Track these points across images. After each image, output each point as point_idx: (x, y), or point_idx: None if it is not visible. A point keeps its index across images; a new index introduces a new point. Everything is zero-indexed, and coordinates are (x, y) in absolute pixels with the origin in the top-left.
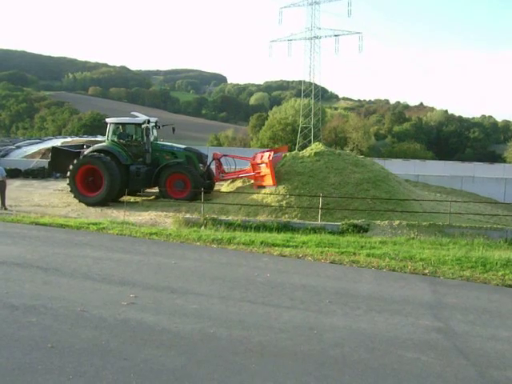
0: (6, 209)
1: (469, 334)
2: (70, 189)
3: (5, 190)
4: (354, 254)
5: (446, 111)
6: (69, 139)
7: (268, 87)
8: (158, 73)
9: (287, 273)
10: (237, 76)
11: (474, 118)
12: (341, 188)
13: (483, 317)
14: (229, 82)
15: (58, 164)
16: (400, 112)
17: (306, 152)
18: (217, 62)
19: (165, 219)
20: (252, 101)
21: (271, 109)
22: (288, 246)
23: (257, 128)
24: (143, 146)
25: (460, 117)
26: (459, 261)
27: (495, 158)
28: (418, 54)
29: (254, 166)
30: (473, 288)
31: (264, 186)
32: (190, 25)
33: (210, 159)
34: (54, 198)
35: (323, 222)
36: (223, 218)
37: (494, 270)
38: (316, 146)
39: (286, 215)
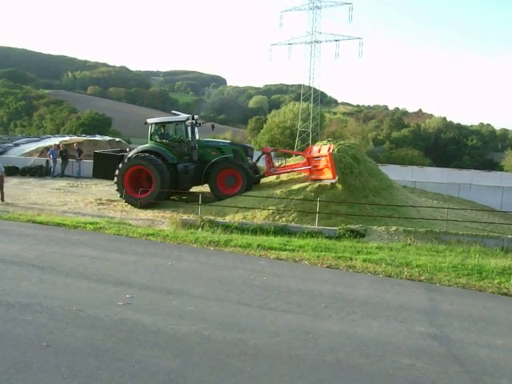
0: (3, 200)
1: (464, 342)
2: (116, 189)
3: (3, 185)
4: (351, 259)
5: (445, 118)
6: (67, 138)
7: (267, 90)
8: (157, 74)
9: (283, 276)
10: (236, 78)
11: (472, 125)
12: (345, 195)
13: (478, 324)
14: (228, 84)
15: (101, 169)
16: (398, 118)
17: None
18: (216, 65)
19: (162, 220)
20: (251, 104)
21: (270, 112)
22: (285, 250)
23: (255, 131)
24: (188, 144)
25: (458, 124)
26: (455, 268)
27: (493, 166)
28: (417, 60)
29: (310, 160)
30: (468, 295)
31: (321, 180)
32: (190, 26)
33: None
34: (52, 197)
35: (320, 227)
36: (220, 220)
37: (490, 278)
38: (356, 150)
39: (283, 218)
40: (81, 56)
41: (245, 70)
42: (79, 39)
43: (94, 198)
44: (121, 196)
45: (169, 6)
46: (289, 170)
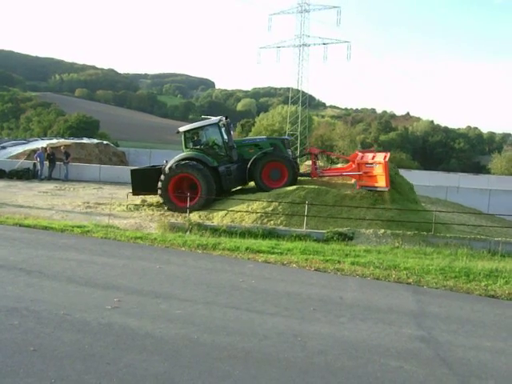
0: None
1: (451, 344)
2: (162, 201)
3: None
4: (339, 261)
5: (432, 121)
6: (54, 141)
7: (256, 93)
8: (145, 76)
9: (272, 279)
10: (225, 81)
11: (459, 128)
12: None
13: (466, 326)
14: (217, 87)
15: (140, 185)
16: (386, 121)
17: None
18: (205, 67)
19: (150, 223)
20: (239, 107)
21: (258, 115)
22: (273, 253)
23: (243, 134)
24: (226, 144)
25: (446, 127)
26: (443, 270)
27: (480, 169)
28: (405, 64)
29: (361, 166)
30: (456, 298)
31: (374, 187)
32: (178, 29)
33: None
34: (39, 200)
35: (308, 230)
36: (208, 223)
37: (477, 280)
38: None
39: (272, 222)
40: (68, 58)
41: (233, 72)
42: (67, 41)
43: (82, 202)
44: (168, 207)
45: (157, 8)
46: (337, 174)
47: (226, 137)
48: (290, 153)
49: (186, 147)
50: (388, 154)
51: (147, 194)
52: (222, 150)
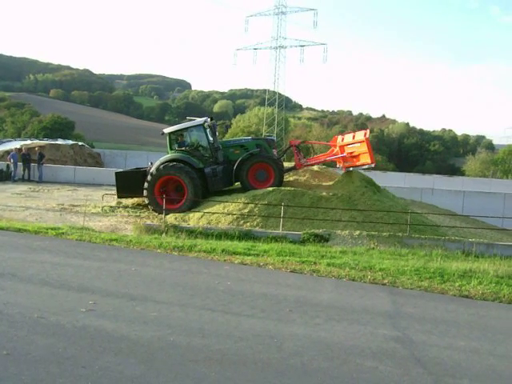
0: None
1: (426, 343)
2: (147, 203)
3: None
4: (315, 263)
5: (408, 124)
6: (28, 142)
7: (232, 95)
8: (121, 77)
9: (248, 281)
10: (201, 83)
11: (434, 131)
12: (317, 202)
13: (440, 326)
14: (193, 88)
15: (125, 188)
16: (362, 123)
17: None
18: (181, 68)
19: (125, 225)
20: (216, 108)
21: (235, 117)
22: (249, 255)
23: (220, 135)
24: (211, 146)
25: (421, 130)
26: (418, 271)
27: (454, 171)
28: (380, 66)
29: (343, 148)
30: (430, 298)
31: (359, 166)
32: (155, 30)
33: None
34: (12, 202)
35: (285, 231)
36: (184, 225)
37: (452, 281)
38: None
39: (248, 223)
40: (43, 58)
41: (210, 74)
42: (42, 41)
43: (56, 203)
44: (154, 210)
45: (133, 9)
46: (321, 160)
47: (211, 138)
48: (275, 153)
49: (171, 149)
50: (368, 131)
51: (132, 196)
52: (207, 151)
